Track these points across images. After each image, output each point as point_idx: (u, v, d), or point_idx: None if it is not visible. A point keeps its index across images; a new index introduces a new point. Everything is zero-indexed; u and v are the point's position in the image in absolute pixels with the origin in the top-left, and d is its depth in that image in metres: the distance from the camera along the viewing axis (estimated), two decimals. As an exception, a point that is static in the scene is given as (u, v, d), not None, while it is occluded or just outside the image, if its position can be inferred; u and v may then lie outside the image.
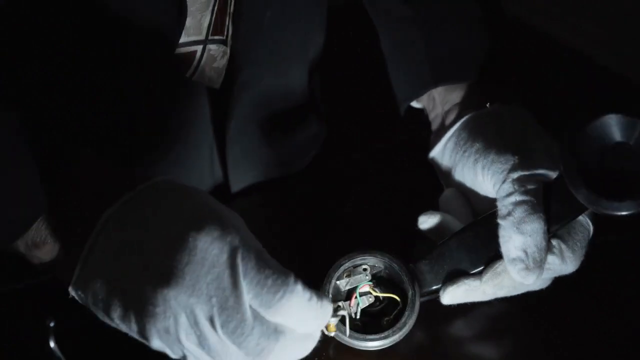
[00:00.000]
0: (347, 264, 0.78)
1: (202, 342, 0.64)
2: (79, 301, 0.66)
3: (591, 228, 0.78)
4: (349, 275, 0.78)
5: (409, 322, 0.76)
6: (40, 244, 0.68)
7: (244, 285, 0.64)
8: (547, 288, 0.82)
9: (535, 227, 0.74)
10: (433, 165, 0.89)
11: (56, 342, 0.74)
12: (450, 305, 0.79)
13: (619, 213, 0.69)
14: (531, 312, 0.85)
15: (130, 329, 0.64)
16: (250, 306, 0.64)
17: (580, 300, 0.85)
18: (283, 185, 1.01)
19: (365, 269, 0.78)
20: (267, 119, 0.96)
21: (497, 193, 0.77)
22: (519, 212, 0.74)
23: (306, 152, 1.04)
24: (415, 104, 0.94)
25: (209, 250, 0.63)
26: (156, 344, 0.64)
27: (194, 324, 0.63)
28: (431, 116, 0.91)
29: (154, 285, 0.62)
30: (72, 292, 0.66)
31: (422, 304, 0.79)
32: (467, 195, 0.84)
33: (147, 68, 0.82)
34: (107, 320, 0.66)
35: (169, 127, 0.87)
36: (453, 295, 0.78)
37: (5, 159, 0.66)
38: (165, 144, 0.87)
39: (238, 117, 0.93)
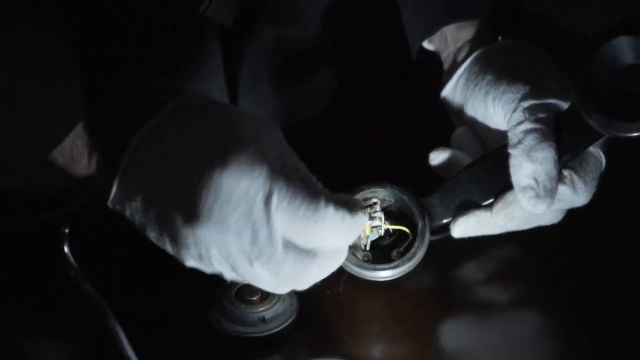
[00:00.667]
0: (358, 197, 0.78)
1: (235, 269, 0.64)
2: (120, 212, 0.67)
3: (603, 160, 0.77)
4: None
5: (418, 252, 0.76)
6: (78, 159, 0.68)
7: (276, 217, 0.63)
8: (558, 236, 0.83)
9: (545, 155, 0.73)
10: (445, 105, 0.89)
11: (70, 248, 0.74)
12: (462, 240, 0.79)
13: (631, 134, 0.68)
14: (543, 259, 0.86)
15: (166, 249, 0.65)
16: (284, 236, 0.64)
17: (591, 250, 0.86)
18: (293, 134, 1.00)
19: (375, 202, 0.78)
20: (279, 66, 0.96)
21: (508, 122, 0.76)
22: (530, 140, 0.74)
23: (317, 102, 1.03)
24: (427, 46, 0.93)
25: (236, 187, 0.62)
26: (190, 264, 0.65)
27: (227, 255, 0.63)
28: (443, 56, 0.90)
29: (183, 219, 0.62)
30: (110, 205, 0.67)
31: (432, 240, 0.79)
32: (479, 131, 0.84)
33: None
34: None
35: (180, 63, 0.87)
36: (463, 227, 0.77)
37: (51, 69, 0.67)
38: (175, 80, 0.87)
39: (249, 62, 0.93)
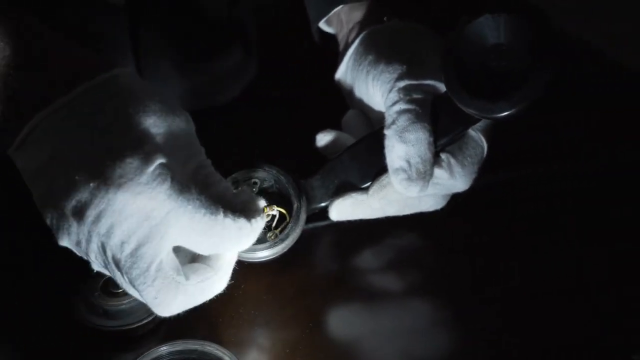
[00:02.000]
0: (237, 176, 0.77)
1: (108, 270, 0.63)
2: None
3: (485, 145, 0.76)
4: (237, 187, 0.77)
5: (292, 234, 0.75)
6: None
7: (169, 234, 0.62)
8: (457, 225, 0.83)
9: (418, 137, 0.72)
10: (340, 88, 0.87)
11: None
12: (360, 227, 0.78)
13: (495, 115, 0.67)
14: (442, 248, 0.85)
15: (46, 220, 0.62)
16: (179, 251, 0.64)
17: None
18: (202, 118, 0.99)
19: (255, 182, 0.77)
20: (179, 43, 0.95)
21: (385, 103, 0.75)
22: (402, 121, 0.72)
23: (229, 85, 1.02)
24: (327, 29, 0.92)
25: (129, 204, 0.60)
26: (64, 244, 0.63)
27: (102, 257, 0.62)
28: (339, 38, 0.89)
29: (71, 210, 0.60)
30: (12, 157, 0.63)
31: (319, 226, 0.79)
32: (367, 114, 0.82)
33: None
34: None
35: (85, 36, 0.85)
36: (340, 209, 0.76)
37: None
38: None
39: (148, 38, 0.92)
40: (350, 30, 0.86)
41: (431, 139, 0.72)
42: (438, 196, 0.77)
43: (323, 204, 0.77)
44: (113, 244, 0.60)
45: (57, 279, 0.74)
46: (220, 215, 0.63)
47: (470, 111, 0.68)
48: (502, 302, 0.79)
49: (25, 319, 0.74)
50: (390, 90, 0.74)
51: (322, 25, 0.91)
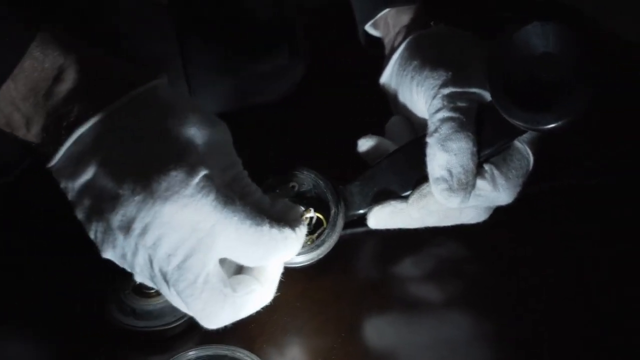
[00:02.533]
0: (272, 181, 0.76)
1: (153, 282, 0.63)
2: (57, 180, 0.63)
3: (531, 158, 0.73)
4: (275, 190, 0.76)
5: (328, 240, 0.73)
6: (15, 129, 0.63)
7: (216, 246, 0.61)
8: (502, 236, 0.80)
9: (461, 146, 0.70)
10: (384, 93, 0.85)
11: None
12: (400, 234, 0.77)
13: (540, 127, 0.65)
14: (485, 259, 0.82)
15: (88, 233, 0.62)
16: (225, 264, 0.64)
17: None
18: (246, 116, 0.99)
19: (293, 186, 0.75)
20: (224, 42, 0.93)
21: (428, 110, 0.73)
22: (445, 129, 0.70)
23: (273, 85, 1.00)
24: (373, 32, 0.90)
25: (176, 216, 0.59)
26: (107, 256, 0.62)
27: (149, 268, 0.61)
28: (385, 42, 0.88)
29: (117, 224, 0.60)
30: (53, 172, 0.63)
31: (354, 233, 0.78)
32: (411, 120, 0.80)
33: None
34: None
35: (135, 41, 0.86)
36: (378, 216, 0.74)
37: None
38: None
39: (193, 38, 0.91)
40: (397, 35, 0.85)
41: (475, 149, 0.70)
42: (480, 208, 0.75)
43: (361, 211, 0.76)
44: (160, 256, 0.60)
45: (88, 277, 0.74)
46: (267, 226, 0.63)
47: (515, 122, 0.66)
48: (544, 314, 0.76)
49: (56, 316, 0.74)
50: (434, 97, 0.73)
51: (369, 28, 0.90)
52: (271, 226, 0.63)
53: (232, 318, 0.65)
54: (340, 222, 0.74)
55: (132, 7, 0.87)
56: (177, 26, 0.90)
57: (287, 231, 0.64)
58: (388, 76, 0.83)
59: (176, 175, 0.59)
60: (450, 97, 0.72)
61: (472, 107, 0.71)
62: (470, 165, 0.70)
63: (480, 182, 0.71)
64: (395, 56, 0.81)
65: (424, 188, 0.72)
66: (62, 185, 0.62)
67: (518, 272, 0.80)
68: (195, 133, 0.62)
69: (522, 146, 0.73)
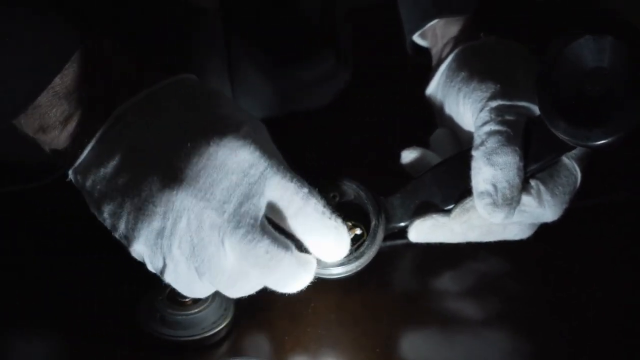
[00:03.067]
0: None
1: (196, 252, 0.60)
2: (75, 185, 0.64)
3: (579, 175, 0.71)
4: None
5: (367, 252, 0.71)
6: (49, 129, 0.64)
7: (267, 192, 0.61)
8: (544, 253, 0.78)
9: (507, 160, 0.68)
10: (429, 104, 0.84)
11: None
12: (438, 249, 0.75)
13: (590, 143, 0.62)
14: (526, 276, 0.80)
15: (117, 226, 0.61)
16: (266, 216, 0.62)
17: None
18: (289, 124, 0.98)
19: (334, 197, 0.74)
20: (270, 47, 0.93)
21: (475, 122, 0.71)
22: (492, 142, 0.69)
23: (318, 92, 0.99)
24: (421, 42, 0.89)
25: (232, 157, 0.60)
26: (138, 248, 0.61)
27: (196, 229, 0.59)
28: (433, 52, 0.86)
29: (161, 183, 0.59)
30: (70, 175, 0.63)
31: (392, 245, 0.76)
32: (457, 133, 0.79)
33: None
34: (95, 212, 0.63)
35: (177, 41, 0.86)
36: (419, 230, 0.72)
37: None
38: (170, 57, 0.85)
39: (240, 41, 0.91)
40: (445, 45, 0.83)
41: (521, 164, 0.68)
42: (524, 225, 0.73)
43: (402, 224, 0.74)
44: (214, 205, 0.59)
45: (121, 283, 0.73)
46: (310, 190, 0.63)
47: (564, 137, 0.64)
48: (586, 336, 0.74)
49: (85, 320, 0.73)
50: (481, 110, 0.71)
51: (416, 38, 0.88)
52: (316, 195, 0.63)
53: (293, 274, 0.64)
54: (380, 235, 0.72)
55: (179, 10, 0.86)
56: (225, 33, 0.89)
57: (328, 211, 0.64)
58: (434, 87, 0.82)
59: (227, 126, 0.60)
60: (497, 110, 0.70)
61: (520, 120, 0.69)
62: (516, 180, 0.68)
63: (525, 198, 0.69)
64: (443, 67, 0.80)
65: (467, 202, 0.71)
66: (88, 183, 0.62)
67: (562, 290, 0.78)
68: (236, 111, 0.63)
69: (569, 162, 0.71)
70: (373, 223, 0.72)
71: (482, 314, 0.76)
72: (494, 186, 0.68)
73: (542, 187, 0.69)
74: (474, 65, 0.75)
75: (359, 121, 0.98)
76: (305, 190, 0.63)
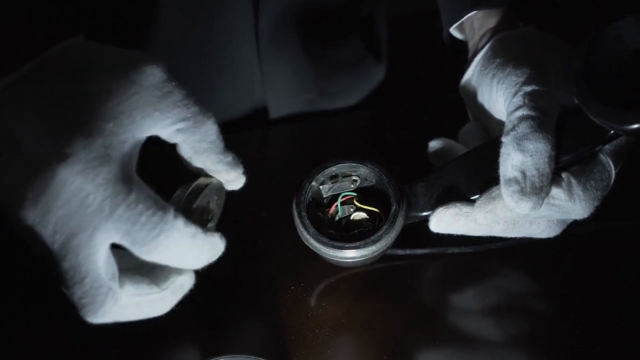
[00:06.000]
0: (334, 169, 0.71)
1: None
2: None
3: (613, 172, 0.67)
4: (335, 182, 0.71)
5: (384, 237, 0.67)
6: None
7: (110, 222, 0.54)
8: (571, 271, 0.74)
9: (538, 147, 0.64)
10: (463, 96, 0.81)
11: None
12: (462, 262, 0.73)
13: (627, 126, 0.59)
14: (551, 294, 0.76)
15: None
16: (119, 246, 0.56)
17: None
18: (322, 120, 0.95)
19: (355, 180, 0.71)
20: (304, 23, 0.91)
21: (507, 108, 0.68)
22: (523, 127, 0.65)
23: (351, 88, 0.98)
24: (458, 35, 0.86)
25: (70, 184, 0.53)
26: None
27: (43, 253, 0.55)
28: (470, 45, 0.83)
29: (14, 205, 0.54)
30: None
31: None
32: (487, 124, 0.75)
33: None
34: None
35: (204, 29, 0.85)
36: (441, 218, 0.68)
37: None
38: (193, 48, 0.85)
39: (269, 23, 0.89)
40: (482, 37, 0.80)
41: (552, 153, 0.64)
42: (552, 221, 0.68)
43: (424, 213, 0.70)
44: (47, 233, 0.53)
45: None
46: (171, 215, 0.56)
47: (599, 120, 0.60)
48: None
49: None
50: (514, 95, 0.67)
51: (454, 31, 0.85)
52: (176, 217, 0.56)
53: (116, 317, 0.57)
54: (400, 221, 0.68)
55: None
56: (254, 21, 0.88)
57: (195, 228, 0.57)
58: (469, 77, 0.78)
59: (74, 139, 0.54)
60: (532, 95, 0.66)
61: (554, 108, 0.66)
62: (547, 169, 0.64)
63: (555, 190, 0.65)
64: (478, 57, 0.77)
65: (494, 191, 0.66)
66: None
67: (588, 312, 0.73)
68: (108, 93, 0.56)
69: (604, 157, 0.67)
70: (393, 208, 0.69)
71: (500, 334, 0.72)
72: (523, 173, 0.64)
73: (573, 180, 0.65)
74: (510, 52, 0.72)
75: (390, 118, 0.95)
76: (161, 216, 0.56)
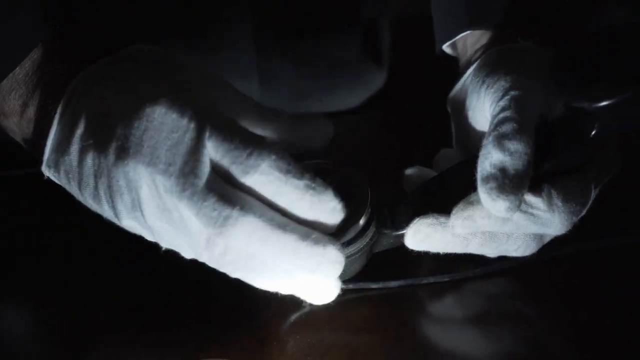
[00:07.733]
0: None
1: (166, 216, 0.58)
2: (55, 181, 0.63)
3: (593, 192, 0.67)
4: None
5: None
6: (10, 114, 0.65)
7: (209, 147, 0.57)
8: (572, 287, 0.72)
9: (519, 148, 0.63)
10: (450, 111, 0.81)
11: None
12: (417, 253, 0.69)
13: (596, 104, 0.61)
14: (539, 301, 0.72)
15: (103, 210, 0.61)
16: (220, 171, 0.58)
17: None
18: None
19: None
20: (302, 42, 0.94)
21: (492, 111, 0.67)
22: (505, 127, 0.64)
23: (351, 91, 0.99)
24: (450, 51, 0.86)
25: (167, 116, 0.58)
26: (127, 223, 0.60)
27: (155, 196, 0.57)
28: (461, 61, 0.83)
29: (114, 156, 0.58)
30: (45, 173, 0.62)
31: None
32: (468, 140, 0.75)
33: None
34: (84, 202, 0.62)
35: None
36: (417, 229, 0.67)
37: None
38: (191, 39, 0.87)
39: (270, 33, 0.92)
40: (476, 52, 0.80)
41: (532, 158, 0.63)
42: (529, 237, 0.67)
43: (401, 232, 0.68)
44: (160, 172, 0.57)
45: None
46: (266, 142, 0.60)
47: (569, 98, 0.63)
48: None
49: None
50: (501, 98, 0.67)
51: (446, 48, 0.86)
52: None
53: (268, 236, 0.58)
54: (368, 232, 0.67)
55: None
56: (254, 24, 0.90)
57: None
58: (458, 89, 0.79)
59: (170, 86, 0.60)
60: (517, 99, 0.66)
61: (539, 115, 0.66)
62: (525, 170, 0.62)
63: (534, 199, 0.64)
64: (471, 69, 0.77)
65: (471, 196, 0.65)
66: (62, 175, 0.61)
67: (591, 342, 0.69)
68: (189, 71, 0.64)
69: (585, 176, 0.67)
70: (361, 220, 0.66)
71: (486, 344, 0.68)
72: (502, 171, 0.62)
73: (553, 191, 0.64)
74: (503, 62, 0.72)
75: (392, 125, 0.96)
76: (250, 149, 0.58)
